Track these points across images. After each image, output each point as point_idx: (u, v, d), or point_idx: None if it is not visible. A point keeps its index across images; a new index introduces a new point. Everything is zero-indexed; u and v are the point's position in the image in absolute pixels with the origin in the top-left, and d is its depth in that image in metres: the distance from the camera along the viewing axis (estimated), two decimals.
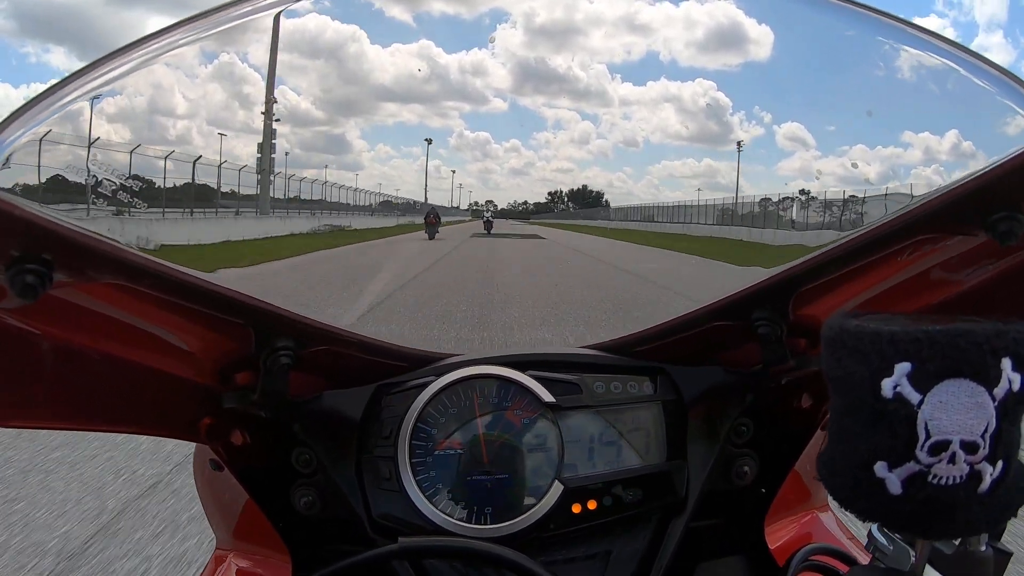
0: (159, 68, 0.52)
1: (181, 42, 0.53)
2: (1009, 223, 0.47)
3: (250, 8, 0.57)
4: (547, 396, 0.69)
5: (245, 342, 0.61)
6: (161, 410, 0.64)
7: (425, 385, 0.70)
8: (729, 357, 0.72)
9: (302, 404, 0.68)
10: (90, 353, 0.54)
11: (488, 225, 35.28)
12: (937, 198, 0.48)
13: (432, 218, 24.70)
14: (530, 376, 0.70)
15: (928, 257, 0.56)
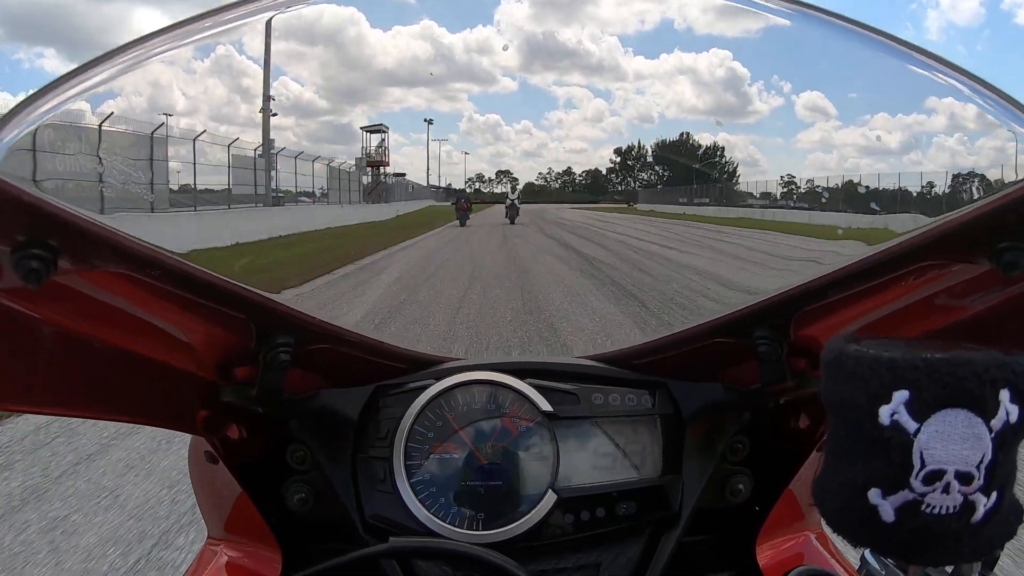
0: (156, 66, 0.52)
1: (177, 44, 0.53)
2: (1014, 253, 0.47)
3: (252, 8, 0.57)
4: (545, 405, 0.69)
5: (245, 336, 0.61)
6: (159, 400, 0.64)
7: (423, 388, 0.70)
8: (728, 374, 0.72)
9: (300, 401, 0.68)
10: (91, 341, 0.54)
11: (512, 211, 24.80)
12: (943, 225, 0.48)
13: (464, 203, 23.17)
14: (529, 384, 0.70)
15: (932, 283, 0.56)
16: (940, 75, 0.55)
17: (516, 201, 25.73)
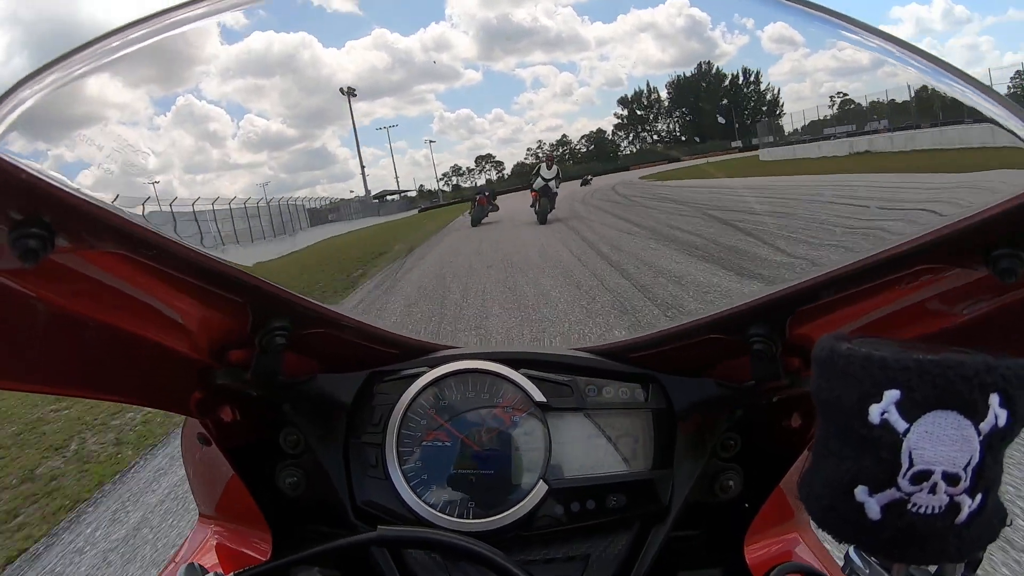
0: (117, 128, 0.51)
1: (121, 49, 0.51)
2: (1011, 260, 0.47)
3: (198, 10, 0.55)
4: (538, 395, 0.69)
5: (241, 319, 0.61)
6: (154, 382, 0.64)
7: (418, 375, 0.70)
8: (722, 370, 0.72)
9: (294, 385, 0.69)
10: (86, 321, 0.54)
11: (546, 200, 13.80)
12: (940, 230, 0.48)
13: (482, 198, 16.41)
14: (523, 374, 0.70)
15: (928, 287, 0.56)
16: (901, 50, 0.55)
17: (554, 184, 14.15)
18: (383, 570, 0.65)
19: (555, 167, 14.70)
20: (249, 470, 0.71)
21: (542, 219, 13.32)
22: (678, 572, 0.74)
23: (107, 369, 0.60)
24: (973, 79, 0.51)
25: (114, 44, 0.50)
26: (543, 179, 14.08)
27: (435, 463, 0.68)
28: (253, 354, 0.63)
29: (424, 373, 0.70)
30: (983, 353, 0.34)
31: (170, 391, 0.66)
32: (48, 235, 0.43)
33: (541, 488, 0.67)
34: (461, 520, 0.66)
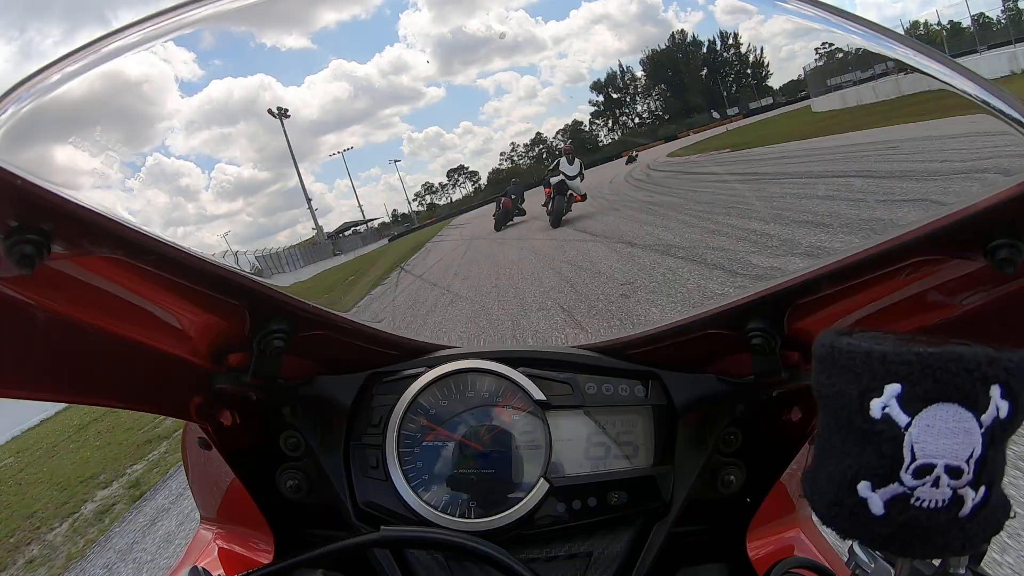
0: (91, 193, 0.51)
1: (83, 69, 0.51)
2: (1009, 250, 0.47)
3: (134, 39, 0.54)
4: (538, 394, 0.69)
5: (239, 323, 0.61)
6: (153, 387, 0.64)
7: (417, 376, 0.70)
8: (722, 366, 0.72)
9: (293, 388, 0.68)
10: (84, 327, 0.53)
11: (561, 200, 11.54)
12: (937, 221, 0.48)
13: (507, 200, 14.43)
14: (522, 373, 0.70)
15: (926, 279, 0.56)
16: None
17: (578, 182, 11.86)
18: (385, 571, 0.65)
19: (577, 161, 12.29)
20: (250, 473, 0.71)
21: (556, 221, 11.26)
22: (680, 568, 0.74)
23: (106, 375, 0.60)
24: (904, 36, 0.53)
25: (72, 68, 0.50)
26: (565, 176, 11.63)
27: (436, 463, 0.68)
28: (252, 357, 0.63)
29: (423, 373, 0.70)
30: (983, 345, 0.34)
31: (170, 396, 0.66)
32: (44, 241, 0.43)
33: (542, 486, 0.67)
34: (463, 520, 0.66)
